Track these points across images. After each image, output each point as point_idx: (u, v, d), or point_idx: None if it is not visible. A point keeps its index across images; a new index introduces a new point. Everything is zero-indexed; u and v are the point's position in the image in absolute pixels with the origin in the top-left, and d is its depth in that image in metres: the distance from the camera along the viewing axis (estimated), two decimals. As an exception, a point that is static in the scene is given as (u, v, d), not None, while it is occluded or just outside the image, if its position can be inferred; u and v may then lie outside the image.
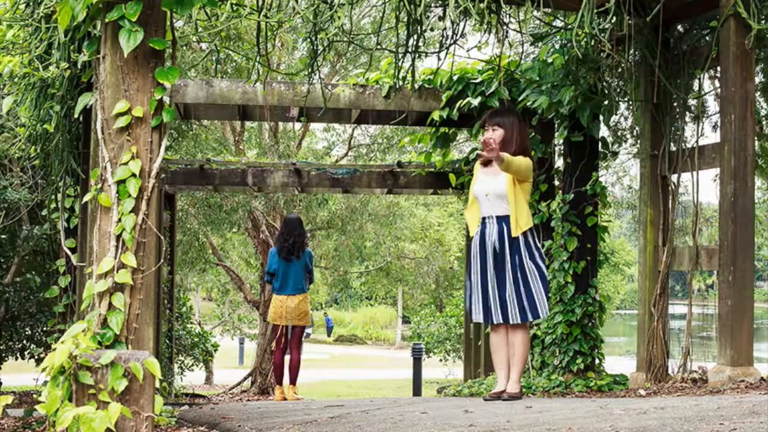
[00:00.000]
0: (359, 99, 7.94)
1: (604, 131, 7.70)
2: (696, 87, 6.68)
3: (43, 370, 3.48)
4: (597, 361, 7.44)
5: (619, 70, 6.75)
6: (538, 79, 7.32)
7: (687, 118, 6.54)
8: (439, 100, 7.98)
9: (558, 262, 7.43)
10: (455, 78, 7.88)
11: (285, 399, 9.24)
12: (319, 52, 6.41)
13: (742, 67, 5.70)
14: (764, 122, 8.24)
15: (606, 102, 7.11)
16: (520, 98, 7.54)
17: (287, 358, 9.33)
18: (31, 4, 4.94)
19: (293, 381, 9.44)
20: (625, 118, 7.94)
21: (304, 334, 9.68)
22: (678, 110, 6.55)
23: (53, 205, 5.99)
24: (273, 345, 9.75)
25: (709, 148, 6.18)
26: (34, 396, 7.47)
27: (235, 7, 4.65)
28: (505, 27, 6.47)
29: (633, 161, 13.48)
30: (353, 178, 10.32)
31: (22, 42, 5.45)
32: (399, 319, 38.16)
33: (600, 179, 7.58)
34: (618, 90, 7.10)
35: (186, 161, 10.39)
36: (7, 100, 5.52)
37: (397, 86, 7.54)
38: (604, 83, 7.00)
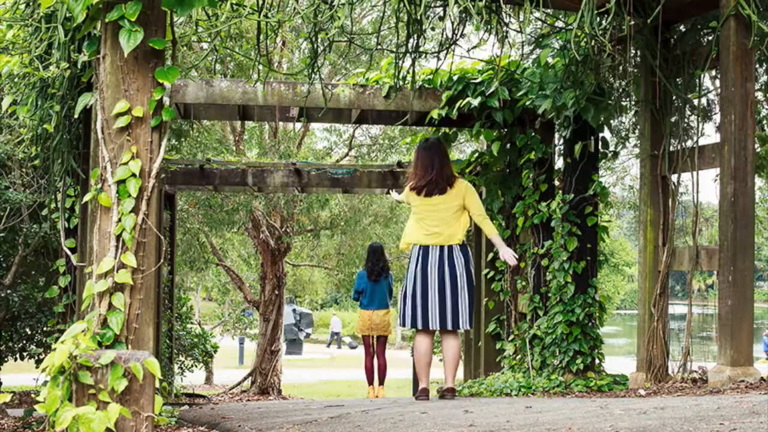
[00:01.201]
0: (359, 99, 7.94)
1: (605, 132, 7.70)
2: (696, 87, 6.68)
3: (43, 370, 3.48)
4: (597, 361, 7.44)
5: (620, 70, 6.75)
6: (539, 82, 7.31)
7: (687, 118, 6.54)
8: (439, 100, 7.97)
9: (558, 262, 7.42)
10: (455, 78, 7.87)
11: (377, 396, 10.66)
12: (319, 52, 6.41)
13: (742, 67, 5.69)
14: (764, 122, 8.24)
15: (610, 105, 7.10)
16: (522, 100, 7.54)
17: (376, 362, 10.94)
18: (31, 4, 4.94)
19: (381, 382, 11.03)
20: (628, 120, 7.93)
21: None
22: (678, 110, 6.54)
23: (53, 205, 5.98)
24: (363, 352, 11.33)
25: (709, 148, 6.18)
26: (34, 396, 7.46)
27: (235, 7, 4.65)
28: (505, 27, 6.46)
29: (633, 161, 13.49)
30: (353, 178, 10.31)
31: (22, 42, 5.45)
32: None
33: (600, 179, 7.58)
34: (621, 91, 7.10)
35: (186, 161, 10.39)
36: (6, 100, 5.52)
37: (398, 86, 7.53)
38: (607, 84, 7.00)
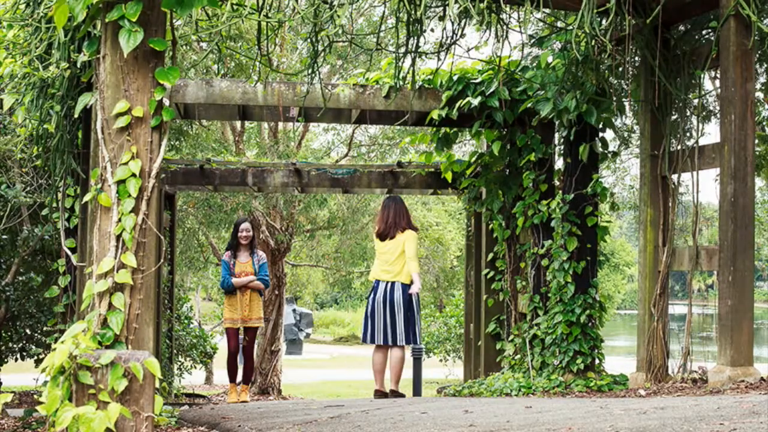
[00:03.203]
0: (359, 99, 7.94)
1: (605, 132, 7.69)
2: (696, 87, 6.68)
3: (43, 370, 3.48)
4: (597, 361, 7.44)
5: (620, 70, 6.75)
6: (540, 85, 7.30)
7: (687, 118, 6.54)
8: (439, 100, 7.97)
9: (558, 262, 7.42)
10: (455, 78, 7.87)
11: (244, 401, 9.69)
12: (319, 52, 6.41)
13: (742, 67, 5.69)
14: (764, 122, 8.24)
15: (612, 105, 7.10)
16: (524, 104, 7.54)
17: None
18: (31, 4, 4.94)
19: (246, 381, 10.11)
20: (630, 120, 7.93)
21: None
22: (678, 110, 6.55)
23: (54, 205, 5.98)
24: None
25: (709, 148, 6.18)
26: (34, 396, 7.47)
27: (235, 7, 4.65)
28: (505, 27, 6.46)
29: (633, 161, 13.48)
30: (353, 178, 10.31)
31: (22, 42, 5.44)
32: (399, 319, 38.08)
33: (600, 179, 7.58)
34: (622, 91, 7.10)
35: (186, 161, 10.37)
36: (7, 99, 5.52)
37: (398, 86, 7.53)
38: (608, 85, 7.00)
